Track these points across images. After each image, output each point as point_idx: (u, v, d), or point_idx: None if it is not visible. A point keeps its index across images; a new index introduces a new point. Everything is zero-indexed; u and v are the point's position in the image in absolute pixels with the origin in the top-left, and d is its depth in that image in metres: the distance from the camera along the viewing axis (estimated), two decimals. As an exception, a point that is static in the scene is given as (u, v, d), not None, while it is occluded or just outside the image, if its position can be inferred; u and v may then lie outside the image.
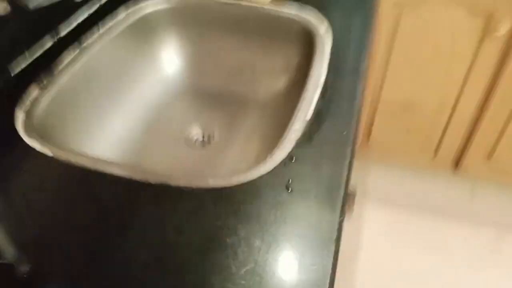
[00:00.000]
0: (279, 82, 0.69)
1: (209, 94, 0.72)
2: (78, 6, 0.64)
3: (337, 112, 0.50)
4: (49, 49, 0.59)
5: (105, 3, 0.69)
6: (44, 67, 0.56)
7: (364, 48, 0.62)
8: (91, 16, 0.66)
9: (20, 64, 0.56)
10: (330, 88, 0.54)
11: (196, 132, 0.66)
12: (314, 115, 0.49)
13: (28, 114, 0.49)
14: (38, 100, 0.51)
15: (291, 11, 0.67)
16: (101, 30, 0.63)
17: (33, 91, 0.52)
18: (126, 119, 0.64)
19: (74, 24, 0.63)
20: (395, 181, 1.36)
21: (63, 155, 0.44)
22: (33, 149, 0.45)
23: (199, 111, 0.69)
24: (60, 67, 0.56)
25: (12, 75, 0.55)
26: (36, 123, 0.49)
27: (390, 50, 1.06)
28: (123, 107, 0.65)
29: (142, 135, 0.64)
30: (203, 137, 0.65)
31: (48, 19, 0.59)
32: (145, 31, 0.70)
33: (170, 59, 0.73)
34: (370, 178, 1.35)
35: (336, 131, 0.47)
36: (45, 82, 0.54)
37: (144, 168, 0.43)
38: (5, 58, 0.55)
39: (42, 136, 0.48)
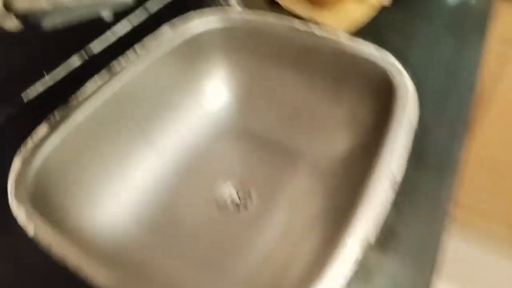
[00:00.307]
0: (340, 143, 0.56)
1: (254, 138, 0.60)
2: (111, 24, 0.55)
3: (413, 228, 0.36)
4: (74, 74, 0.51)
5: (146, 20, 0.59)
6: (63, 95, 0.47)
7: (461, 124, 0.47)
8: (128, 36, 0.56)
9: (37, 89, 0.48)
10: (407, 181, 0.40)
11: (230, 191, 0.55)
12: (380, 234, 0.35)
13: (26, 164, 0.41)
14: (43, 143, 0.42)
15: (369, 51, 0.53)
16: (138, 52, 0.53)
17: (41, 130, 0.44)
18: (150, 165, 0.54)
19: (105, 45, 0.54)
20: (473, 256, 1.16)
21: (46, 238, 0.35)
22: (14, 220, 0.36)
23: (239, 160, 0.58)
24: (81, 98, 0.47)
25: (25, 101, 0.47)
26: (33, 177, 0.40)
27: (490, 96, 0.87)
28: (151, 149, 0.55)
29: (168, 186, 0.54)
30: (239, 198, 0.54)
31: (73, 38, 0.50)
32: (191, 56, 0.59)
33: (216, 90, 0.62)
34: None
35: (410, 264, 0.34)
36: (58, 117, 0.45)
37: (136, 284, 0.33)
38: (18, 82, 0.47)
39: (35, 198, 0.39)
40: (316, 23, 0.58)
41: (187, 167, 0.56)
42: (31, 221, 0.36)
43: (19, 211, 0.37)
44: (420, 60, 0.54)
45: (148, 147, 0.55)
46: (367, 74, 0.54)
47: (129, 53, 0.53)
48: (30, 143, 0.42)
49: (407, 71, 0.50)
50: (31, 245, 0.35)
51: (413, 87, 0.49)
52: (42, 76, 0.48)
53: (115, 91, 0.50)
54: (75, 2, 0.38)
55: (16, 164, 0.40)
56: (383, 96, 0.52)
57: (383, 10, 0.61)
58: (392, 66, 0.51)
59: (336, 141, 0.56)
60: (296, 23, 0.58)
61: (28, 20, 0.38)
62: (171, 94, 0.58)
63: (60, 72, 0.50)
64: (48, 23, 0.38)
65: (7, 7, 0.39)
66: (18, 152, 0.41)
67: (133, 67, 0.52)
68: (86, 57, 0.52)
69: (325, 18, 0.58)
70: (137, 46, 0.54)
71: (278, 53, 0.60)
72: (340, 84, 0.57)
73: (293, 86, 0.61)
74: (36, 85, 0.48)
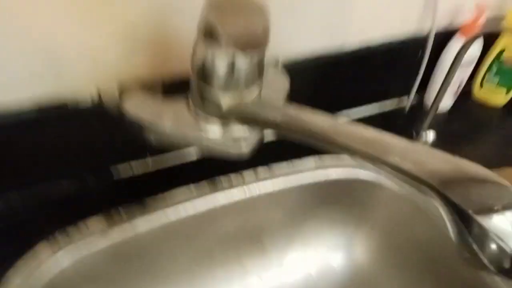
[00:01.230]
0: None
1: None
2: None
3: None
4: (176, 169, 0.43)
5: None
6: (148, 186, 0.40)
7: None
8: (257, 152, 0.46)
9: (137, 170, 0.42)
10: None
11: None
12: None
13: (52, 257, 0.34)
14: (85, 242, 0.36)
15: None
16: (259, 175, 0.43)
17: (95, 222, 0.37)
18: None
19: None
20: None
21: None
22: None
23: None
24: (160, 202, 0.39)
25: (114, 178, 0.42)
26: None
27: None
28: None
29: None
30: None
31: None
32: (320, 201, 0.46)
33: (327, 252, 0.47)
34: None
35: None
36: (121, 216, 0.38)
37: None
38: (118, 156, 0.41)
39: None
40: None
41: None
42: None
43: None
44: None
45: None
46: None
47: (248, 172, 0.43)
48: (75, 233, 0.36)
49: None
50: None
51: None
52: (144, 156, 0.42)
53: (205, 211, 0.40)
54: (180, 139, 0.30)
55: (42, 249, 0.34)
56: None
57: None
58: None
59: None
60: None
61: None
62: (268, 238, 0.46)
63: (161, 162, 0.43)
64: (151, 136, 0.31)
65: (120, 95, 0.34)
66: (55, 237, 0.35)
67: (240, 191, 0.42)
68: (200, 157, 0.45)
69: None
70: (261, 168, 0.44)
71: (434, 265, 0.42)
72: None
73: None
74: (132, 163, 0.42)
